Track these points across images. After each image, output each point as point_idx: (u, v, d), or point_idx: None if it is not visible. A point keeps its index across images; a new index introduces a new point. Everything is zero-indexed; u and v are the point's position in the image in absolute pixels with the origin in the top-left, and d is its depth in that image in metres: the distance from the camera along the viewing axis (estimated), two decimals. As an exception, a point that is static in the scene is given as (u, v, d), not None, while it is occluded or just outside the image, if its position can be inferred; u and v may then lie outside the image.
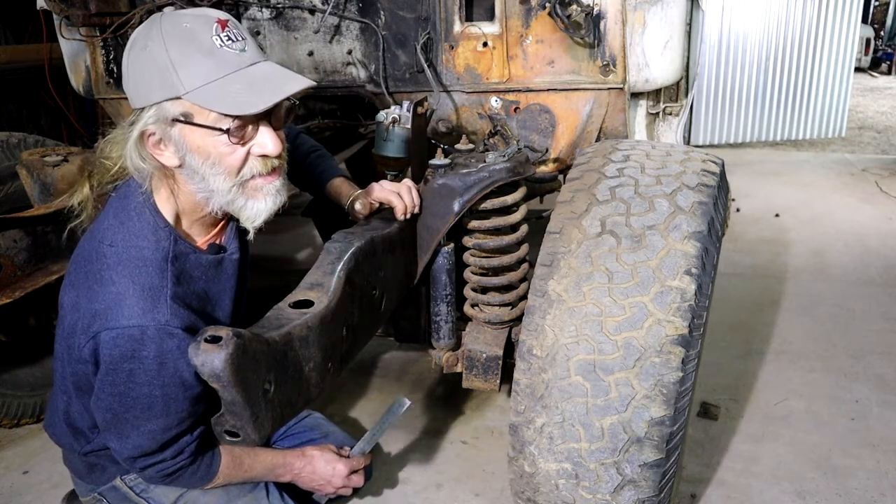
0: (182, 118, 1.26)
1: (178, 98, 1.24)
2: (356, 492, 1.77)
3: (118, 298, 1.28)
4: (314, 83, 1.36)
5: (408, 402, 1.80)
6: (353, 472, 1.72)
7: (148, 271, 1.31)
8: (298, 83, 1.30)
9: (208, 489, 1.55)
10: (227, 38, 1.26)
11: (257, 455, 1.59)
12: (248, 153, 1.31)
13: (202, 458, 1.47)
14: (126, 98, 1.34)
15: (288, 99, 1.32)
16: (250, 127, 1.30)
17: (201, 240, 1.45)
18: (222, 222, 1.49)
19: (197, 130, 1.27)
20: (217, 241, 1.49)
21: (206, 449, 1.48)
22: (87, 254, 1.37)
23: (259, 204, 1.36)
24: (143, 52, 1.25)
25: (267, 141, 1.31)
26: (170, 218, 1.37)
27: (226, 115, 1.25)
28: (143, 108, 1.28)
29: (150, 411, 1.34)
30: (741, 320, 3.36)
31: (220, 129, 1.26)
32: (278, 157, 1.35)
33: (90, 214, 1.45)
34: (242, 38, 1.29)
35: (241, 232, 1.50)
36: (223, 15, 1.29)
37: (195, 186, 1.34)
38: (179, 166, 1.32)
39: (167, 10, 1.32)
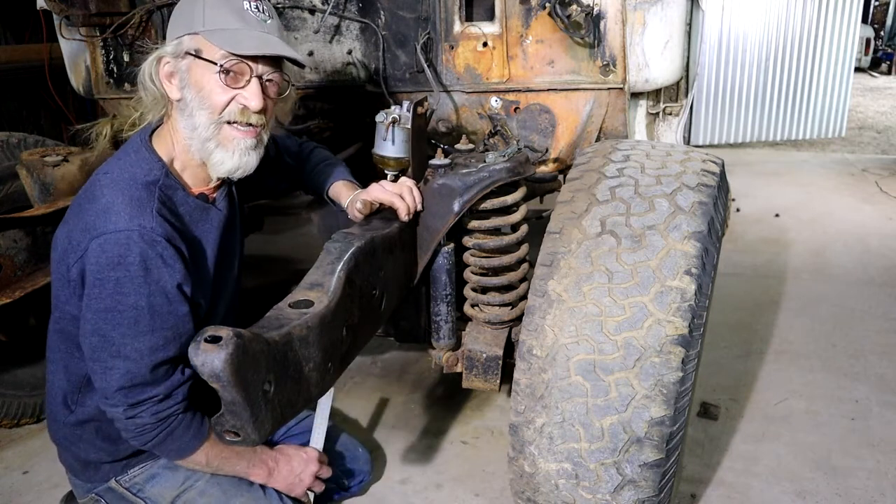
0: (193, 52, 1.42)
1: (196, 34, 1.42)
2: (350, 494, 1.78)
3: (106, 207, 1.38)
4: (307, 64, 1.56)
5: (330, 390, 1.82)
6: (322, 462, 1.77)
7: (137, 187, 1.42)
8: (292, 52, 1.49)
9: (197, 463, 1.54)
10: (255, 7, 1.46)
11: None
12: (232, 99, 1.45)
13: (194, 413, 1.48)
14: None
15: (286, 79, 1.52)
16: (245, 79, 1.45)
17: (193, 187, 1.54)
18: (215, 183, 1.57)
19: (200, 64, 1.42)
20: (207, 194, 1.57)
21: (196, 407, 1.49)
22: (83, 189, 1.48)
23: (226, 154, 1.48)
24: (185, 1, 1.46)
25: (252, 95, 1.45)
26: (164, 157, 1.49)
27: (230, 55, 1.41)
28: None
29: (137, 327, 1.36)
30: (741, 320, 3.35)
31: (217, 65, 1.41)
32: (259, 114, 1.48)
33: (101, 152, 1.65)
34: (268, 14, 1.49)
35: (231, 198, 1.64)
36: None
37: (183, 123, 1.47)
38: (179, 100, 1.46)
39: None
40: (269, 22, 1.48)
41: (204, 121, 1.45)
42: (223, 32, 1.41)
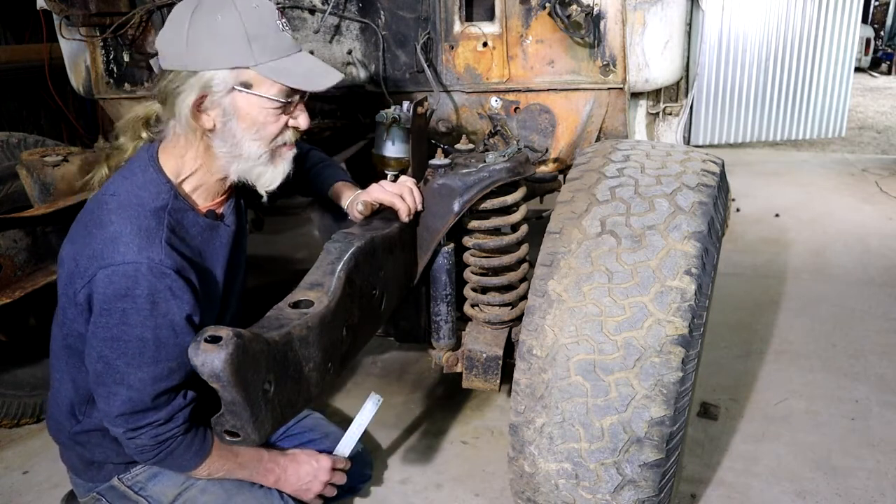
0: (242, 87, 1.38)
1: (246, 68, 1.37)
2: (351, 493, 1.77)
3: (115, 237, 1.34)
4: (343, 75, 1.53)
5: (380, 399, 1.83)
6: (336, 469, 1.74)
7: (146, 215, 1.38)
8: (338, 74, 1.50)
9: (200, 477, 1.54)
10: (284, 23, 1.44)
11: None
12: (285, 124, 1.46)
13: (196, 431, 1.47)
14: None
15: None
16: (294, 104, 1.47)
17: (202, 204, 1.51)
18: (223, 196, 1.55)
19: (251, 98, 1.39)
20: (216, 210, 1.54)
21: (199, 425, 1.48)
22: (88, 208, 1.44)
23: (276, 171, 1.50)
24: (215, 20, 1.35)
25: (303, 117, 1.49)
26: (172, 177, 1.45)
27: (289, 89, 1.41)
28: (194, 72, 1.37)
29: (141, 357, 1.35)
30: (741, 320, 3.35)
31: (280, 101, 1.41)
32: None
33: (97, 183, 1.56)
34: (289, 27, 1.46)
35: (239, 209, 1.61)
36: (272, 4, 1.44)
37: (224, 150, 1.44)
38: (212, 129, 1.42)
39: None
40: (294, 37, 1.48)
41: (256, 151, 1.44)
42: (277, 66, 1.39)
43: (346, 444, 1.81)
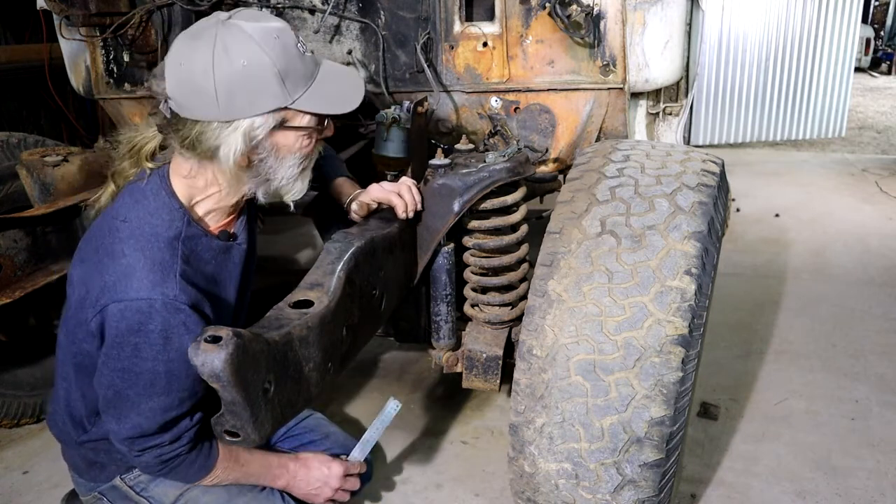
0: (281, 125, 1.36)
1: (285, 108, 1.34)
2: (353, 495, 1.76)
3: (128, 271, 1.31)
4: (363, 80, 1.51)
5: (399, 404, 1.82)
6: (349, 475, 1.71)
7: (159, 247, 1.35)
8: (361, 81, 1.49)
9: (204, 485, 1.54)
10: (301, 43, 1.37)
11: (253, 453, 1.59)
12: (317, 140, 1.45)
13: (200, 447, 1.47)
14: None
15: None
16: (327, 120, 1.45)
17: (214, 226, 1.48)
18: (235, 213, 1.52)
19: (289, 133, 1.38)
20: (228, 230, 1.52)
21: (203, 440, 1.47)
22: (99, 230, 1.41)
23: (305, 181, 1.48)
24: (241, 65, 1.28)
25: (330, 125, 1.46)
26: (185, 201, 1.42)
27: (322, 116, 1.40)
28: (229, 120, 1.31)
29: (153, 388, 1.34)
30: (741, 320, 3.35)
31: (318, 129, 1.41)
32: None
33: (106, 201, 1.50)
34: (307, 46, 1.39)
35: (251, 223, 1.58)
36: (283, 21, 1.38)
37: (255, 178, 1.41)
38: (247, 165, 1.38)
39: (232, 20, 1.31)
40: (311, 50, 1.42)
41: (293, 172, 1.43)
42: (309, 97, 1.36)
43: (362, 448, 1.80)
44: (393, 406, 1.82)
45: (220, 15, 1.33)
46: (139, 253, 1.33)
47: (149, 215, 1.38)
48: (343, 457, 1.77)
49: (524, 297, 1.95)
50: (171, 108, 1.34)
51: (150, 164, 1.44)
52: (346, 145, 2.37)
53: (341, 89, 1.43)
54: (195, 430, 1.43)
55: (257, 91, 1.30)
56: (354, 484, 1.73)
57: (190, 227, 1.41)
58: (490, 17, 2.23)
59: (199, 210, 1.45)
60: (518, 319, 1.95)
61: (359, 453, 1.79)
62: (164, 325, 1.30)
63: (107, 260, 1.34)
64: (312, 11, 2.30)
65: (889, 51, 13.92)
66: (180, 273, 1.34)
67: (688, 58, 2.56)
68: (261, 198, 1.46)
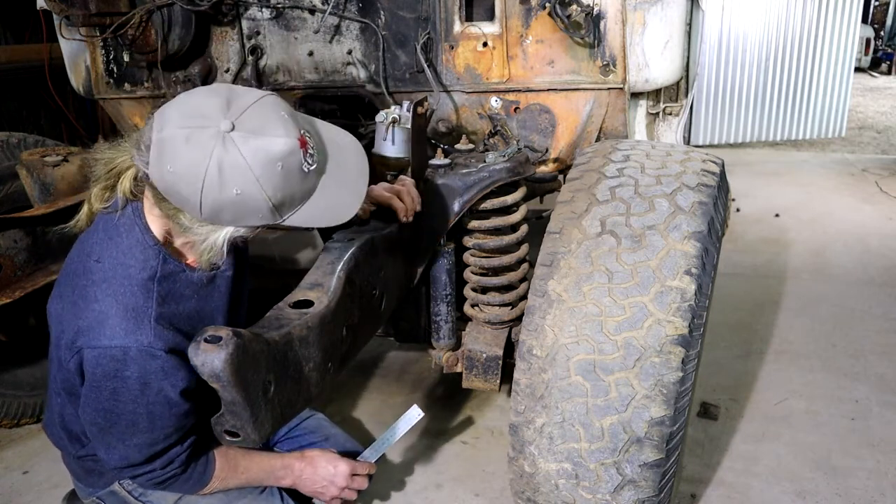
0: (266, 226, 1.30)
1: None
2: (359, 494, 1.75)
3: (101, 317, 1.28)
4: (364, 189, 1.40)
5: (422, 413, 1.79)
6: (356, 474, 1.69)
7: (133, 291, 1.30)
8: (365, 182, 1.39)
9: (205, 494, 1.54)
10: (310, 157, 1.26)
11: (253, 458, 1.58)
12: None
13: (195, 465, 1.46)
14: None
15: None
16: None
17: (193, 257, 1.39)
18: None
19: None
20: None
21: (198, 456, 1.47)
22: (74, 267, 1.37)
23: None
24: (236, 195, 1.19)
25: None
26: (159, 236, 1.35)
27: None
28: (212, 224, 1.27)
29: (135, 427, 1.33)
30: (741, 320, 3.35)
31: (303, 228, 1.32)
32: None
33: (84, 223, 1.43)
34: (315, 149, 1.28)
35: (236, 247, 1.45)
36: (299, 132, 1.24)
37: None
38: None
39: (234, 134, 1.17)
40: (318, 159, 1.29)
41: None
42: (303, 213, 1.29)
43: (376, 450, 1.79)
44: (416, 413, 1.79)
45: (221, 123, 1.17)
46: (111, 298, 1.28)
47: (122, 255, 1.32)
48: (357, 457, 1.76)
49: (524, 297, 1.95)
50: (157, 188, 1.25)
51: (125, 194, 1.33)
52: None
53: (337, 203, 1.33)
54: (187, 454, 1.43)
55: (246, 215, 1.24)
56: (362, 483, 1.70)
57: (166, 264, 1.34)
58: (490, 17, 2.23)
59: (177, 242, 1.38)
60: (518, 319, 1.95)
61: (370, 454, 1.78)
62: (141, 372, 1.28)
63: (81, 303, 1.30)
64: (312, 11, 2.30)
65: (889, 51, 13.92)
66: (155, 318, 1.29)
67: (688, 58, 2.56)
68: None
